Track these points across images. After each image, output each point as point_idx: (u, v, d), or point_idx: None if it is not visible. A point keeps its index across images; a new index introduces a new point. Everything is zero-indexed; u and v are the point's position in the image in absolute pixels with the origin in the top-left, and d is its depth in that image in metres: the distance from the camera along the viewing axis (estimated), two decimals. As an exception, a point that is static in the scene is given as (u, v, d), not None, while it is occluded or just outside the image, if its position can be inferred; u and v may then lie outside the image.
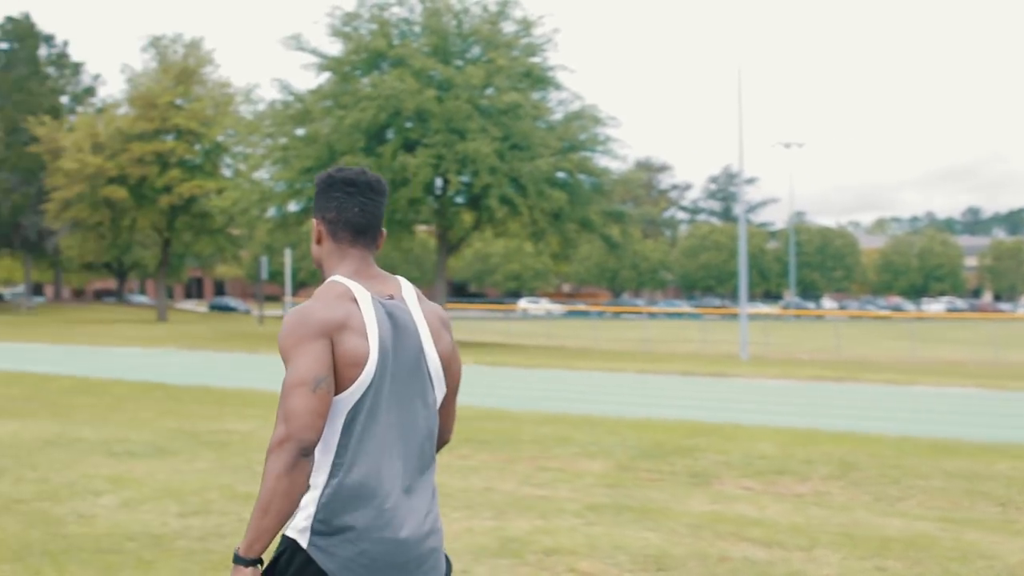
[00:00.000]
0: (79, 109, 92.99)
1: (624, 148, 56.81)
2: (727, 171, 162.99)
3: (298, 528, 3.65)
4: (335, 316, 3.60)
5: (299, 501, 3.52)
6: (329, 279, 3.78)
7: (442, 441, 4.03)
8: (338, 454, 3.64)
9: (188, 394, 22.30)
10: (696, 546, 9.53)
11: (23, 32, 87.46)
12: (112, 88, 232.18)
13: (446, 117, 44.45)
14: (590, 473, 13.46)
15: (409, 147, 45.94)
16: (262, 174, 51.93)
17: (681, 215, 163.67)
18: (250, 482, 12.33)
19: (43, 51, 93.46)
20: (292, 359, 3.57)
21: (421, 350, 3.77)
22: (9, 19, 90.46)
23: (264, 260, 77.39)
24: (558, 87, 49.26)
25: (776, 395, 25.85)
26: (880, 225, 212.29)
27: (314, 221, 3.89)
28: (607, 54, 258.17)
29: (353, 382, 3.60)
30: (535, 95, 48.03)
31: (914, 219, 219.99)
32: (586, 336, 57.48)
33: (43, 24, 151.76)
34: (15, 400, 20.99)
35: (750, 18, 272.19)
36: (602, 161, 49.01)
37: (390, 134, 46.67)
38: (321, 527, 3.62)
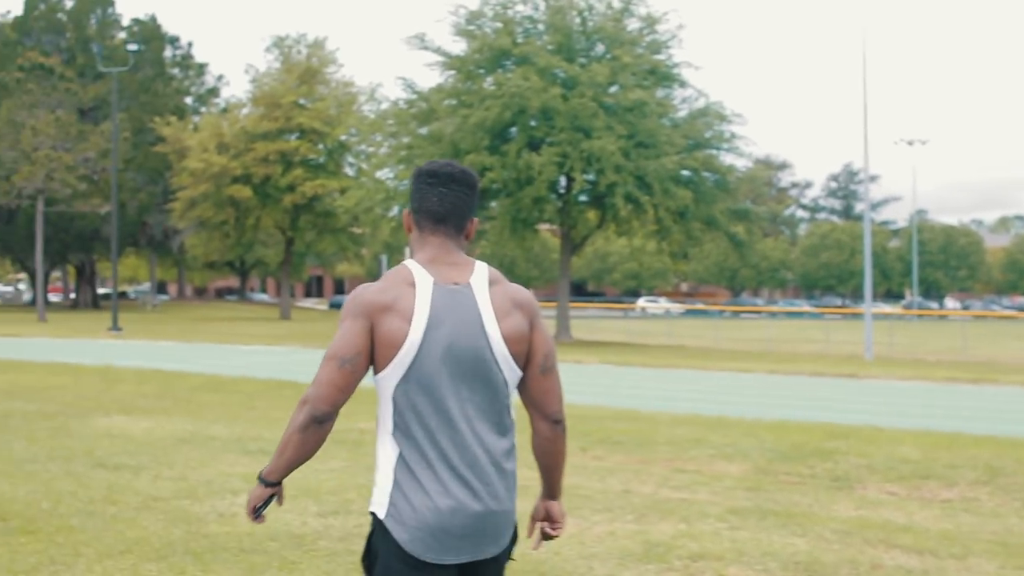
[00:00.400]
0: (203, 110, 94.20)
1: (749, 145, 56.58)
2: (848, 169, 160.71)
3: (377, 502, 4.02)
4: (382, 299, 3.93)
5: (309, 456, 4.09)
6: (401, 263, 4.07)
7: (548, 416, 4.21)
8: (396, 429, 4.00)
9: (318, 391, 22.24)
10: (846, 553, 9.29)
11: (149, 34, 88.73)
12: (235, 89, 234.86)
13: (571, 115, 44.21)
14: (728, 476, 13.24)
15: (534, 146, 45.77)
16: (385, 173, 52.07)
17: (801, 213, 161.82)
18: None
19: (168, 52, 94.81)
20: (337, 332, 3.99)
21: (482, 333, 3.97)
22: (136, 21, 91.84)
23: (384, 259, 77.73)
24: (683, 84, 48.86)
25: (910, 397, 25.37)
26: (1004, 223, 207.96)
27: (405, 212, 4.20)
28: (725, 50, 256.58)
29: (390, 362, 3.93)
30: (659, 92, 47.66)
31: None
32: (707, 336, 56.98)
33: (168, 26, 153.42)
34: (147, 398, 21.15)
35: (872, 12, 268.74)
36: (727, 159, 48.59)
37: (514, 133, 46.51)
38: (390, 500, 3.97)
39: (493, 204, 48.33)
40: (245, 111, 76.12)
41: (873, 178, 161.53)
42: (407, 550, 3.92)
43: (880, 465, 14.00)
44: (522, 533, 4.41)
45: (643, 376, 30.08)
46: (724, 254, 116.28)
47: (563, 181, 47.49)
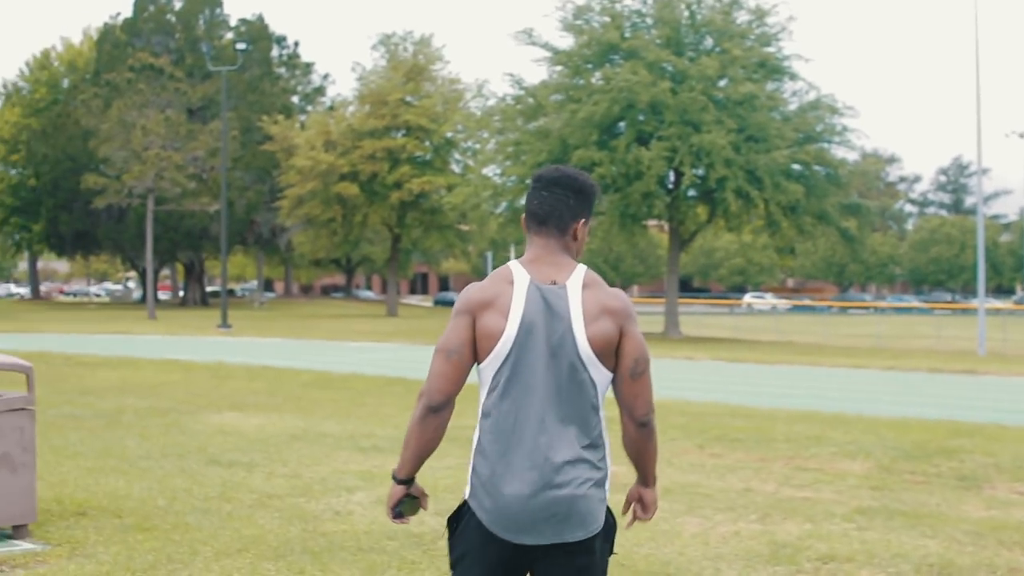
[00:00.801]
0: (309, 109, 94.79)
1: (861, 138, 55.89)
2: (957, 162, 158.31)
3: (467, 483, 4.36)
4: (483, 296, 4.25)
5: (432, 445, 4.40)
6: (506, 263, 4.35)
7: (635, 419, 4.33)
8: (484, 415, 4.32)
9: (427, 388, 22.12)
10: (981, 556, 8.98)
11: (256, 34, 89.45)
12: (340, 87, 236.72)
13: (680, 109, 43.77)
14: (851, 474, 12.88)
15: (642, 140, 45.37)
16: (492, 169, 51.99)
17: (909, 208, 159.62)
18: None
19: (275, 52, 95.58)
20: (447, 327, 4.34)
21: (569, 332, 4.18)
22: (243, 21, 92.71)
23: (489, 256, 77.73)
24: (793, 77, 48.19)
25: (1033, 394, 24.74)
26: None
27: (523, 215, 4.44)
28: (830, 42, 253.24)
29: (489, 353, 4.24)
30: (769, 86, 47.03)
31: None
32: (816, 332, 56.24)
33: (275, 26, 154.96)
34: (259, 394, 21.17)
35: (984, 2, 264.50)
36: (838, 152, 47.83)
37: (622, 127, 46.15)
38: (475, 481, 4.30)
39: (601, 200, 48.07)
40: (351, 109, 76.41)
41: (984, 171, 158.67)
42: (487, 528, 4.23)
43: (1008, 464, 13.61)
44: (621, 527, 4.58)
45: (756, 372, 29.71)
46: (832, 249, 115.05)
47: (671, 176, 47.08)
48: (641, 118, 45.06)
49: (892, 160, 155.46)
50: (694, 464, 13.33)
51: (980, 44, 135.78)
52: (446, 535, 4.48)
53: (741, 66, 45.17)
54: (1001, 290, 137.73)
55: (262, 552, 8.84)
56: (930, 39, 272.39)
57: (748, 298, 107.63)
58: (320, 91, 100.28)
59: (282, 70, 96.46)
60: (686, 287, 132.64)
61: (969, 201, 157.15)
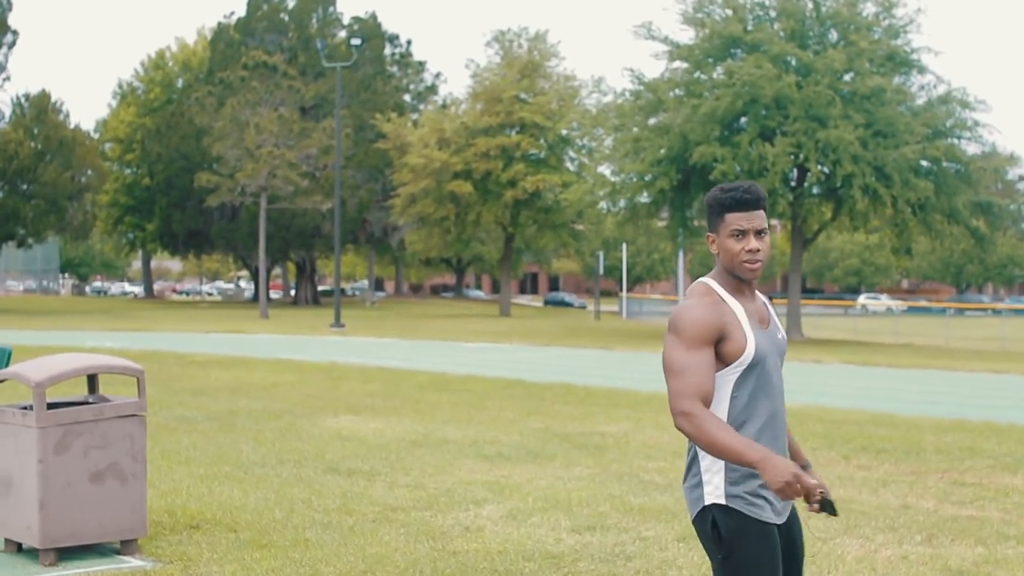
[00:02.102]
0: (421, 107, 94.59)
1: (993, 133, 54.22)
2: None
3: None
4: None
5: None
6: None
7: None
8: None
9: (549, 392, 21.48)
10: None
11: (369, 32, 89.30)
12: (452, 86, 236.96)
13: (805, 104, 42.53)
14: (1015, 490, 11.96)
15: (766, 136, 44.22)
16: (609, 167, 51.07)
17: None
18: (641, 493, 11.37)
19: (387, 51, 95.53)
20: None
21: None
22: (356, 19, 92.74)
23: (600, 255, 76.97)
24: (922, 70, 46.69)
25: None
26: None
27: None
28: (950, 35, 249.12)
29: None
30: (896, 79, 45.60)
31: None
32: (937, 334, 54.80)
33: (388, 24, 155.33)
34: (375, 397, 20.59)
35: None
36: (969, 148, 46.23)
37: (745, 123, 45.09)
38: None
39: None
40: (464, 107, 75.92)
41: None
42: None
43: None
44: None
45: (889, 377, 28.53)
46: (950, 250, 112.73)
47: (794, 173, 45.88)
48: (765, 113, 43.86)
49: (1012, 158, 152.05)
50: (843, 477, 12.56)
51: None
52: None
53: (868, 59, 43.83)
54: None
55: (389, 573, 8.30)
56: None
57: (863, 299, 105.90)
58: (432, 90, 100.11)
59: (394, 69, 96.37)
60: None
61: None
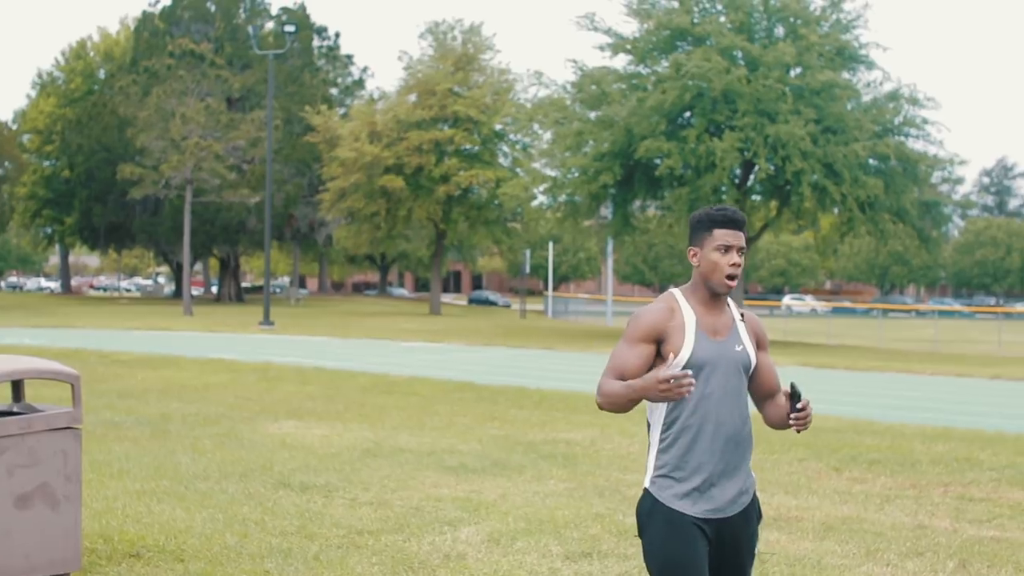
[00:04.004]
0: (348, 102, 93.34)
1: (942, 132, 53.58)
2: (1001, 163, 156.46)
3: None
4: None
5: None
6: None
7: None
8: None
9: (502, 396, 20.42)
10: None
11: (298, 23, 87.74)
12: (379, 80, 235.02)
13: (754, 98, 41.66)
14: None
15: (714, 131, 43.32)
16: (547, 162, 49.97)
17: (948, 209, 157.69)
18: (629, 512, 10.28)
19: (315, 43, 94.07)
20: None
21: None
22: (285, 10, 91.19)
23: (527, 253, 76.14)
24: (870, 66, 45.97)
25: None
26: None
27: None
28: (893, 30, 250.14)
29: None
30: (844, 75, 44.79)
31: None
32: (869, 336, 54.53)
33: (316, 16, 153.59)
34: (315, 400, 19.46)
35: None
36: (916, 146, 45.49)
37: (691, 117, 44.19)
38: None
39: (666, 194, 46.31)
40: (390, 102, 74.58)
41: None
42: None
43: None
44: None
45: (852, 381, 27.84)
46: (875, 251, 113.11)
47: (737, 170, 45.00)
48: (712, 107, 42.91)
49: (956, 158, 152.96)
50: (840, 492, 11.86)
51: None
52: None
53: (818, 54, 43.03)
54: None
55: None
56: (970, 41, 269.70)
57: (787, 300, 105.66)
58: (359, 84, 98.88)
59: (322, 62, 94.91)
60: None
61: (1013, 204, 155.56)
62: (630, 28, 46.93)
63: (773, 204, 48.05)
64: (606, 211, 52.10)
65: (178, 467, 12.24)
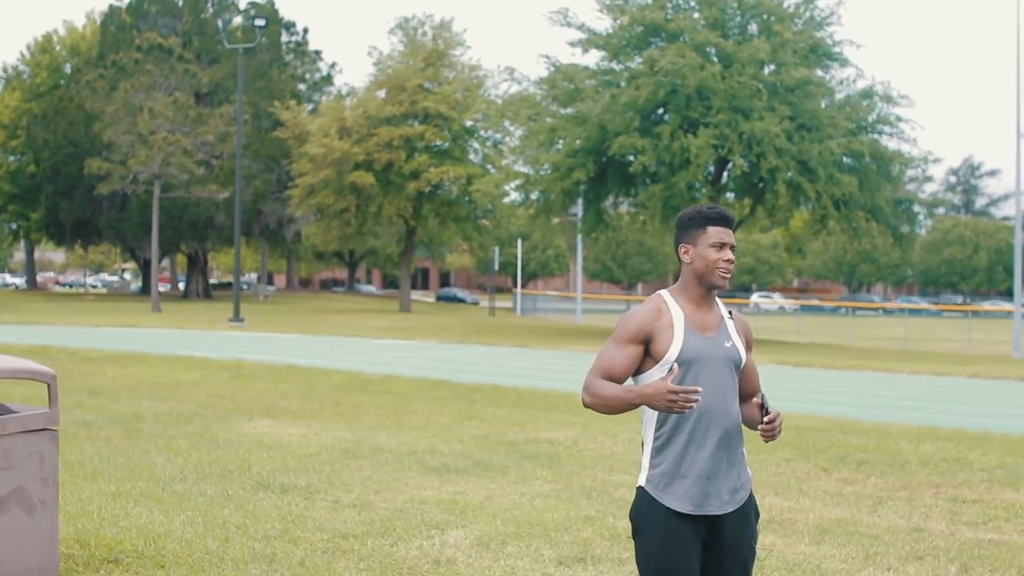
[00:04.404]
0: (316, 97, 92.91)
1: (915, 129, 53.53)
2: (968, 163, 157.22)
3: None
4: None
5: None
6: None
7: None
8: None
9: (478, 394, 20.18)
10: None
11: (267, 18, 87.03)
12: (347, 76, 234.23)
13: (729, 95, 41.47)
14: (1022, 507, 11.12)
15: (688, 127, 43.10)
16: (518, 158, 49.64)
17: (917, 208, 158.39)
18: (620, 515, 10.15)
19: (284, 38, 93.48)
20: None
21: None
22: (253, 4, 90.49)
23: (496, 250, 75.98)
24: (844, 63, 45.82)
25: None
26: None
27: None
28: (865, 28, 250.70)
29: None
30: (818, 72, 44.62)
31: None
32: (837, 333, 54.65)
33: (284, 11, 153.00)
34: (289, 398, 19.15)
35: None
36: (890, 143, 45.34)
37: (665, 113, 43.98)
38: None
39: (640, 191, 46.12)
40: (359, 98, 74.20)
41: (993, 173, 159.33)
42: None
43: None
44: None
45: (830, 379, 27.77)
46: (843, 249, 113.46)
47: (711, 168, 44.80)
48: (687, 104, 42.68)
49: (929, 156, 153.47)
50: (831, 493, 11.70)
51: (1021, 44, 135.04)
52: None
53: (792, 50, 42.86)
54: (1010, 293, 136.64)
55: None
56: (941, 40, 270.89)
57: (755, 297, 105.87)
58: (328, 80, 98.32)
59: (290, 57, 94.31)
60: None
61: (980, 202, 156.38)
62: (603, 24, 46.81)
63: (747, 202, 47.92)
64: (575, 208, 51.93)
65: (154, 468, 11.92)
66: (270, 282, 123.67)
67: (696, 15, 44.08)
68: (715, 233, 4.92)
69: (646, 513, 4.87)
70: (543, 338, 43.33)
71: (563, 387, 22.02)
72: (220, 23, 71.00)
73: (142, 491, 10.62)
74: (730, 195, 47.94)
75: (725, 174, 45.61)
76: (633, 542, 4.95)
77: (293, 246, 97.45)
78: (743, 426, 5.05)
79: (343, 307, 77.64)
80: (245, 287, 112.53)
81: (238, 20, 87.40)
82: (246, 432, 14.84)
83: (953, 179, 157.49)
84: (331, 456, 13.03)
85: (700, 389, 4.58)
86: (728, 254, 4.91)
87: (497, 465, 12.66)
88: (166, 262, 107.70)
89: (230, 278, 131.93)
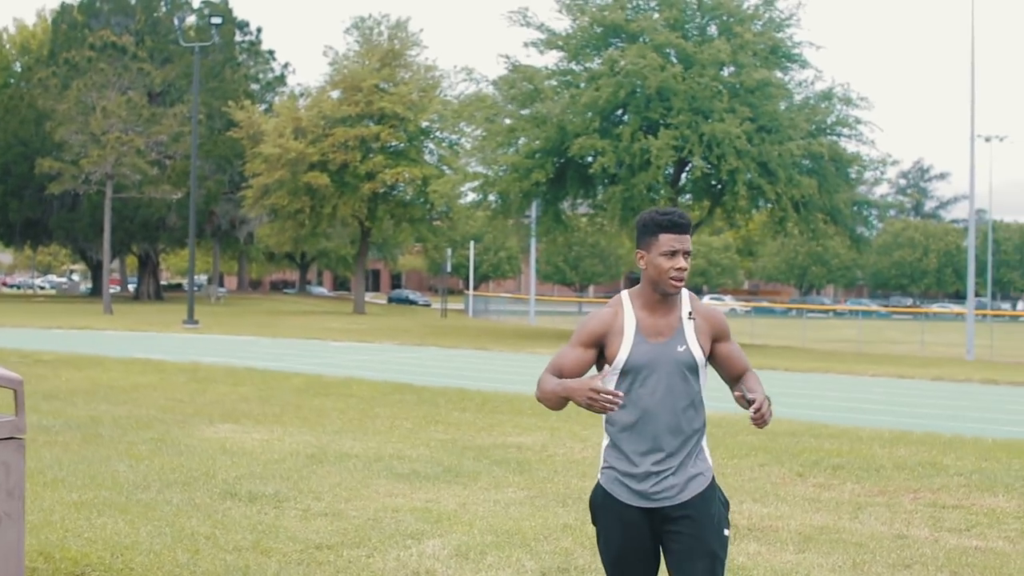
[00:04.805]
0: (268, 98, 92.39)
1: (874, 131, 53.63)
2: (918, 166, 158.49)
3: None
4: None
5: None
6: None
7: None
8: None
9: (442, 397, 19.88)
10: None
11: (222, 16, 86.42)
12: (301, 77, 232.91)
13: (689, 96, 41.35)
14: (1006, 513, 10.91)
15: (649, 128, 42.94)
16: (475, 158, 49.32)
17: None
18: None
19: (237, 37, 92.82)
20: None
21: None
22: (207, 3, 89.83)
23: (449, 252, 75.80)
24: (804, 65, 45.79)
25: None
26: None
27: None
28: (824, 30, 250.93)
29: None
30: (777, 74, 44.56)
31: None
32: (792, 336, 54.70)
33: (238, 10, 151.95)
34: (250, 401, 18.81)
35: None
36: (848, 145, 45.35)
37: (625, 114, 43.83)
38: None
39: (599, 192, 46.01)
40: (309, 101, 73.85)
41: (943, 175, 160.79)
42: None
43: None
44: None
45: (794, 382, 27.75)
46: (795, 251, 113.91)
47: (669, 169, 44.67)
48: (647, 105, 42.53)
49: (888, 158, 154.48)
50: (809, 499, 11.48)
51: (975, 46, 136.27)
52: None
53: (752, 52, 42.78)
54: (959, 296, 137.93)
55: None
56: (888, 43, 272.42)
57: (707, 300, 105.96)
58: (281, 80, 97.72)
59: (243, 57, 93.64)
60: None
61: (929, 205, 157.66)
62: (563, 24, 46.50)
63: (705, 203, 47.80)
64: (529, 211, 51.72)
65: (116, 475, 11.57)
66: (221, 284, 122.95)
67: (656, 16, 43.90)
68: (666, 241, 4.92)
69: (600, 503, 5.07)
70: (501, 340, 43.11)
71: (527, 391, 21.76)
72: (176, 21, 70.23)
73: (105, 500, 10.28)
74: (687, 197, 47.84)
75: (684, 175, 45.50)
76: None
77: (245, 247, 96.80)
78: (700, 425, 5.07)
79: (296, 309, 77.26)
80: (196, 288, 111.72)
81: (192, 19, 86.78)
82: (208, 437, 14.52)
83: (903, 182, 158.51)
84: (297, 462, 12.72)
85: (621, 395, 4.67)
86: (679, 262, 4.92)
87: (468, 471, 12.39)
88: (116, 263, 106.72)
89: (180, 280, 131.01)
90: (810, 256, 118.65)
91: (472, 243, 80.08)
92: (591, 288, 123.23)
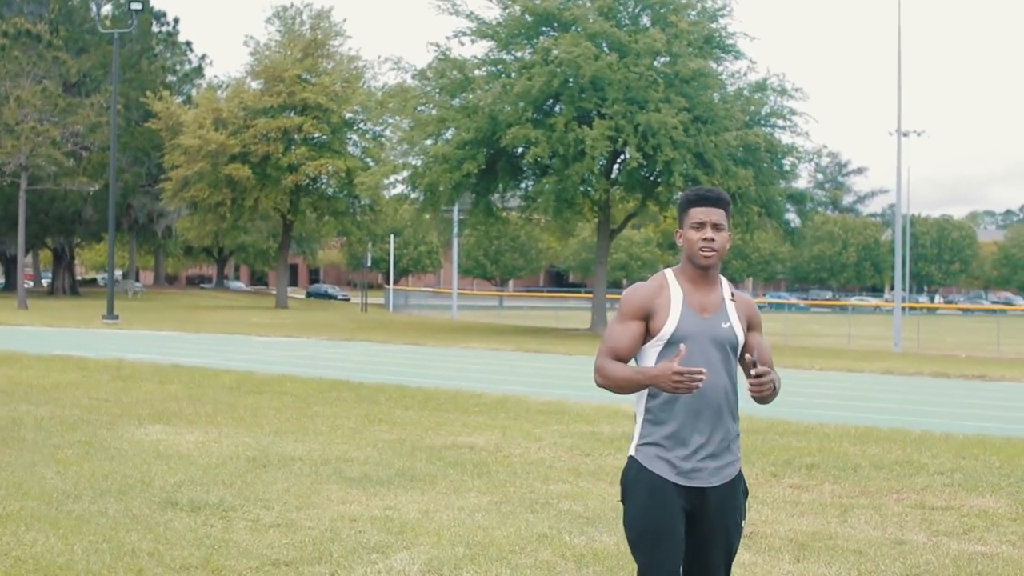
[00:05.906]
0: (185, 89, 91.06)
1: (809, 123, 53.62)
2: (836, 160, 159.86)
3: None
4: None
5: None
6: None
7: None
8: None
9: (382, 394, 19.09)
10: None
11: (141, 3, 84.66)
12: (219, 68, 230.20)
13: (624, 85, 40.75)
14: (999, 515, 10.46)
15: (583, 119, 42.30)
16: (399, 151, 48.45)
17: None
18: (574, 531, 9.20)
19: (154, 28, 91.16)
20: None
21: None
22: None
23: (369, 245, 75.13)
24: (739, 55, 45.47)
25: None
26: (973, 219, 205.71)
27: None
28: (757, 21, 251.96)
29: None
30: (711, 64, 44.14)
31: (1008, 213, 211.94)
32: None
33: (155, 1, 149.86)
34: (180, 400, 17.89)
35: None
36: (783, 136, 45.06)
37: (558, 104, 43.22)
38: None
39: (530, 184, 45.45)
40: (239, 85, 72.74)
41: (860, 170, 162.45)
42: None
43: None
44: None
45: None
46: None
47: (603, 160, 44.13)
48: (582, 95, 41.91)
49: (822, 149, 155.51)
50: (788, 501, 10.85)
51: (902, 40, 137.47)
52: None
53: (687, 41, 42.28)
54: (876, 289, 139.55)
55: None
56: (808, 37, 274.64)
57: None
58: (198, 71, 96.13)
59: (160, 48, 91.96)
60: (561, 282, 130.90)
61: (847, 200, 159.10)
62: (492, 13, 45.83)
63: (638, 196, 47.26)
64: (453, 204, 51.05)
65: (43, 483, 10.62)
66: (137, 278, 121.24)
67: (588, 4, 43.30)
68: (695, 214, 5.01)
69: (634, 478, 5.01)
70: (430, 335, 42.44)
71: (470, 386, 21.04)
72: (94, 7, 68.80)
73: (33, 512, 9.34)
74: (619, 189, 47.28)
75: (617, 167, 44.96)
76: (623, 509, 5.08)
77: (163, 241, 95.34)
78: (736, 408, 5.09)
79: (216, 304, 76.24)
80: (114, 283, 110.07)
81: (108, 8, 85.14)
82: (138, 440, 13.59)
83: (820, 176, 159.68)
84: (238, 466, 11.85)
85: (705, 370, 4.66)
86: (708, 232, 4.97)
87: (422, 475, 11.60)
88: (29, 258, 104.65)
89: (95, 275, 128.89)
90: (731, 250, 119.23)
91: (392, 237, 79.40)
92: (511, 283, 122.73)
